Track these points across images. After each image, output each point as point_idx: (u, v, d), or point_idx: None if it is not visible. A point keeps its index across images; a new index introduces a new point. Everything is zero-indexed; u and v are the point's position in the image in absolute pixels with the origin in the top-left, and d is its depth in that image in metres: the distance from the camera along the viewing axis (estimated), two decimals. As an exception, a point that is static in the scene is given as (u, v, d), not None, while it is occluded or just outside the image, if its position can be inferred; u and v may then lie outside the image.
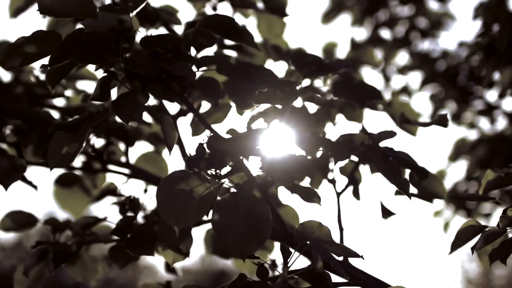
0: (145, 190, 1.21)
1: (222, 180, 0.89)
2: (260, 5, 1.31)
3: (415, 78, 4.30)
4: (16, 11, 1.20)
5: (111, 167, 1.19)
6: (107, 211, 1.43)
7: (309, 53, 1.04)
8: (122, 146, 1.21)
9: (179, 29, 1.27)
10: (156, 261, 9.38)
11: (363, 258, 0.89)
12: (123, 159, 1.24)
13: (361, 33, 2.62)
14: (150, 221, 0.98)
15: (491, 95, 2.04)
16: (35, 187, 1.07)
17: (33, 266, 1.07)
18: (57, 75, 0.92)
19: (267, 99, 0.94)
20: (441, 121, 1.07)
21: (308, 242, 0.88)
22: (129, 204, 1.04)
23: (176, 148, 1.28)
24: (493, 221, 2.39)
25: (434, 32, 2.24)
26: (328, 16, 2.41)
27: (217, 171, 0.91)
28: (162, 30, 1.24)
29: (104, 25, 0.91)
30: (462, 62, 1.97)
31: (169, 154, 0.95)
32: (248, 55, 1.23)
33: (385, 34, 2.29)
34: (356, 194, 1.18)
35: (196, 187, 0.84)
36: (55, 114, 1.25)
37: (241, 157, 0.94)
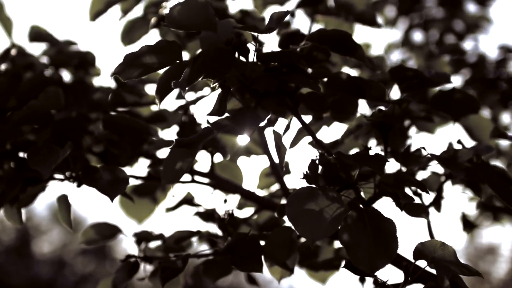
0: (225, 201, 1.22)
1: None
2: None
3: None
4: (95, 14, 1.19)
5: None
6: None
7: (408, 66, 1.05)
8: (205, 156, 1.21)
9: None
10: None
11: (483, 277, 0.91)
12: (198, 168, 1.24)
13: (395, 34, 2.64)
14: (256, 237, 0.99)
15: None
16: (131, 199, 1.07)
17: (124, 280, 1.07)
18: (169, 87, 0.92)
19: (383, 116, 0.95)
20: (536, 136, 1.10)
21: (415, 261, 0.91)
22: (229, 219, 1.05)
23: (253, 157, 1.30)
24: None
25: (470, 35, 2.27)
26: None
27: (334, 187, 0.93)
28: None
29: (221, 38, 0.92)
30: (501, 66, 2.01)
31: (282, 169, 0.96)
32: (330, 63, 1.24)
33: (418, 36, 2.33)
34: (438, 206, 1.21)
35: (327, 206, 0.85)
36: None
37: (354, 173, 0.96)
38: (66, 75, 1.34)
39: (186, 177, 1.17)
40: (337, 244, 1.24)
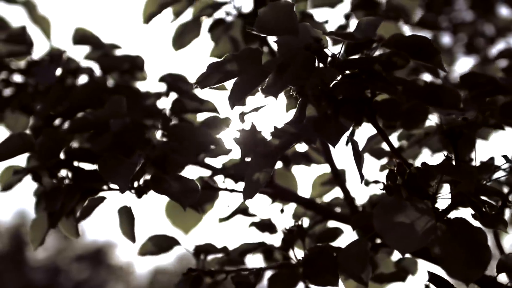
0: (282, 210, 1.20)
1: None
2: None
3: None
4: (149, 17, 1.16)
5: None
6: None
7: (480, 72, 1.04)
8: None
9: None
10: (131, 260, 9.29)
11: None
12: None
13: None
14: (331, 249, 0.96)
15: None
16: (197, 209, 1.04)
17: (187, 295, 1.04)
18: (244, 94, 0.90)
19: (466, 124, 0.94)
20: None
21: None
22: (298, 231, 1.03)
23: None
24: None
25: (501, 39, 2.26)
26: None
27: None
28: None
29: (301, 43, 0.90)
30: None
31: (361, 181, 0.93)
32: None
33: (446, 39, 2.32)
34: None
35: (417, 217, 0.83)
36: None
37: (433, 183, 0.94)
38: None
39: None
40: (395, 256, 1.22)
